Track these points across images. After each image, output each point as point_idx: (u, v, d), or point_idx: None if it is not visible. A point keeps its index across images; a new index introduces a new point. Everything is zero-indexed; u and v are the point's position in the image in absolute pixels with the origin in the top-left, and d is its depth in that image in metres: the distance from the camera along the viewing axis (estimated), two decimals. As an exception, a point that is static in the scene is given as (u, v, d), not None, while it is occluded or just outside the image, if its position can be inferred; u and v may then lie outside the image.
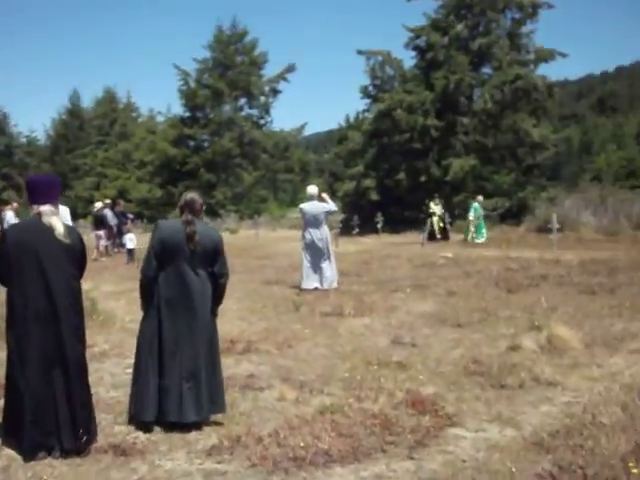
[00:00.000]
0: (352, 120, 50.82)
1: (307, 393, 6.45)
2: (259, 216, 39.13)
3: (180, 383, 5.42)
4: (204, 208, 5.92)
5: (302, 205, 13.57)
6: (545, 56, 33.28)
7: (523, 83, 31.18)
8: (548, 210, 29.64)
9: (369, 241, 27.85)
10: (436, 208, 26.79)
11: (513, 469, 4.52)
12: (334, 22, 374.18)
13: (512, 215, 30.74)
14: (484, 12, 32.58)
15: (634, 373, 7.07)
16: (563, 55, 33.79)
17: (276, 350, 8.24)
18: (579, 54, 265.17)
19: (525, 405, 6.09)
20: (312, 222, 12.98)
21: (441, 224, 26.62)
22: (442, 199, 28.31)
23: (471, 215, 25.77)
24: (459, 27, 32.28)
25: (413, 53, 34.42)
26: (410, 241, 25.94)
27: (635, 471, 4.30)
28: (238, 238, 30.20)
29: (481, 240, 25.21)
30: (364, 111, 37.74)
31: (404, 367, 7.42)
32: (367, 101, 35.26)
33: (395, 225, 30.31)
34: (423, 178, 31.25)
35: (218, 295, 5.77)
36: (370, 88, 34.49)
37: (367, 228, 30.55)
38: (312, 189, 13.36)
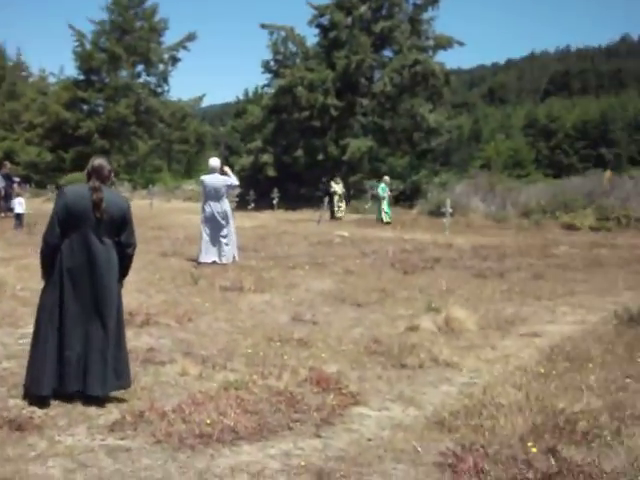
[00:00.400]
0: (251, 94, 50.34)
1: (210, 368, 6.37)
2: (153, 186, 38.31)
3: (86, 355, 5.24)
4: (112, 175, 5.70)
5: (203, 177, 13.33)
6: (444, 43, 33.94)
7: (422, 68, 31.71)
8: (440, 194, 30.44)
9: (265, 217, 27.79)
10: (337, 187, 26.79)
11: (418, 448, 4.60)
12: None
13: (405, 198, 31.32)
14: (388, -5, 32.91)
15: (526, 355, 7.34)
16: (460, 44, 34.60)
17: (176, 323, 8.10)
18: (473, 44, 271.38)
19: (425, 385, 6.21)
20: (212, 195, 12.79)
21: (341, 203, 26.68)
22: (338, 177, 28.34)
23: (381, 194, 25.68)
24: (363, 8, 32.42)
25: (316, 31, 34.48)
26: (306, 218, 26.05)
27: (534, 450, 4.46)
28: (132, 208, 29.41)
29: (388, 219, 25.49)
30: (265, 86, 37.46)
31: (306, 344, 7.44)
32: (268, 76, 35.05)
33: (291, 202, 30.35)
34: (321, 156, 31.37)
35: (125, 265, 5.58)
36: (272, 63, 34.16)
37: (263, 203, 30.46)
38: (214, 161, 13.16)
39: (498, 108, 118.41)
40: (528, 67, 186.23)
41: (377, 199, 26.51)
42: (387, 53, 34.20)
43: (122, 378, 5.44)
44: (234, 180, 13.08)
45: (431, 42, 34.01)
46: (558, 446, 4.54)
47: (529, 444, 4.57)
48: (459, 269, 13.68)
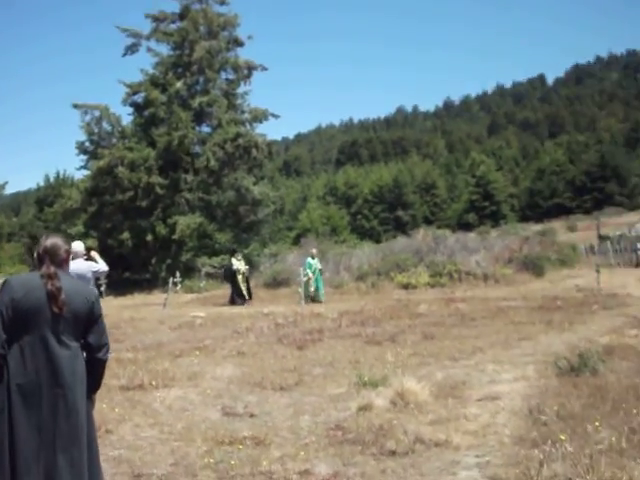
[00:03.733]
0: (62, 177, 47.58)
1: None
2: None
3: None
4: (70, 257, 4.42)
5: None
6: (259, 116, 33.91)
7: (244, 141, 31.35)
8: (273, 265, 29.91)
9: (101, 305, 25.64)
10: (239, 264, 23.48)
11: None
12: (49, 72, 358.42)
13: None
14: (202, 71, 32.42)
15: (503, 422, 6.71)
16: (275, 116, 34.77)
17: (96, 439, 6.65)
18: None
19: (440, 474, 5.36)
20: (77, 283, 11.21)
21: (244, 283, 23.33)
22: (242, 253, 25.90)
23: (308, 271, 22.74)
24: (178, 84, 31.71)
25: (130, 109, 33.18)
26: (144, 302, 24.36)
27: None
28: None
29: (322, 298, 22.61)
30: (81, 167, 35.09)
31: (262, 443, 6.37)
32: (83, 157, 32.98)
33: (119, 287, 28.42)
34: (149, 237, 29.79)
35: (96, 375, 4.21)
36: (87, 144, 32.31)
37: (89, 292, 28.22)
38: (78, 245, 11.59)
39: (295, 179, 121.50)
40: (317, 139, 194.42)
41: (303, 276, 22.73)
42: (205, 128, 33.62)
43: None
44: (102, 266, 11.58)
45: (247, 115, 33.86)
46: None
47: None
48: (346, 338, 13.02)
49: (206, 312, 18.99)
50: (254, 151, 31.71)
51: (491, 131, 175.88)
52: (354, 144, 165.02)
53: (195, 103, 31.75)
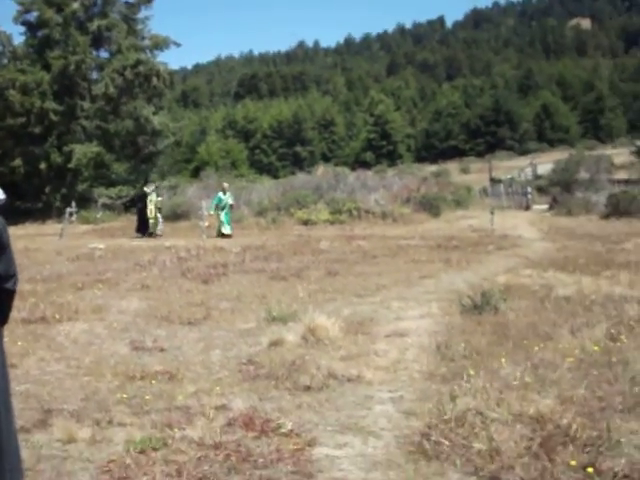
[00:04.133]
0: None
1: (96, 426, 5.01)
2: None
3: None
4: None
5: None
6: (160, 44, 32.76)
7: (145, 69, 30.25)
8: (172, 198, 29.38)
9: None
10: (152, 194, 22.36)
11: None
12: None
13: (134, 204, 29.67)
14: (101, -9, 30.96)
15: (412, 358, 6.89)
16: (177, 44, 33.67)
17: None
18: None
19: (355, 408, 5.47)
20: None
21: (157, 214, 22.28)
22: (154, 182, 24.67)
23: (212, 207, 22.38)
24: (75, 5, 30.08)
25: (22, 29, 31.32)
26: (38, 232, 23.51)
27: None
28: None
29: (228, 230, 22.04)
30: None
31: (175, 377, 6.31)
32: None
33: (10, 216, 27.17)
34: (42, 165, 28.54)
35: (4, 307, 3.80)
36: (-25, 63, 30.43)
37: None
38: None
39: (193, 111, 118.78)
40: (216, 71, 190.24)
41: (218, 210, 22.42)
42: (103, 54, 32.19)
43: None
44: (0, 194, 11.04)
45: (147, 42, 32.61)
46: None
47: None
48: (251, 273, 13.01)
49: (105, 244, 18.54)
50: (155, 80, 30.65)
51: (390, 71, 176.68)
52: (254, 77, 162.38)
53: (93, 26, 30.27)
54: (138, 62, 30.02)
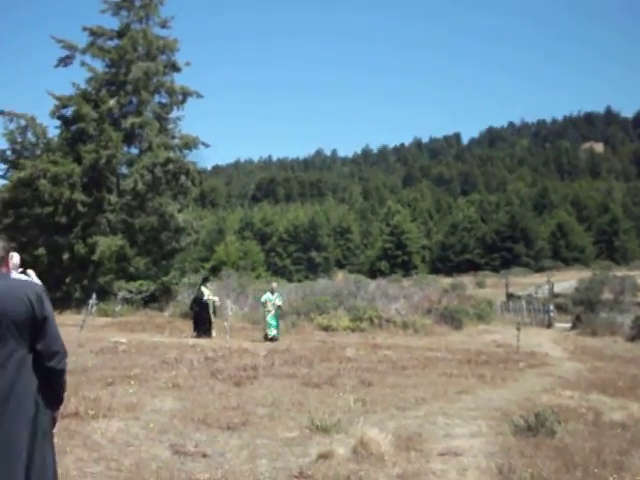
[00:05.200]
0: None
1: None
2: None
3: None
4: (12, 256, 3.78)
5: None
6: (190, 143, 33.33)
7: (175, 167, 30.66)
8: (191, 296, 29.16)
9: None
10: (210, 294, 21.40)
11: None
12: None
13: (154, 299, 29.52)
14: (136, 91, 31.63)
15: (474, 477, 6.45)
16: (206, 145, 34.23)
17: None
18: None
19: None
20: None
21: (214, 315, 21.30)
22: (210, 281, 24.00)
23: (270, 305, 21.02)
24: (111, 102, 30.81)
25: (57, 122, 31.95)
26: (57, 323, 23.16)
27: None
28: None
29: (275, 333, 20.82)
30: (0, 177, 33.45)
31: (223, 487, 5.89)
32: (3, 166, 31.40)
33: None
34: (66, 255, 28.53)
35: (54, 388, 3.54)
36: (8, 152, 30.85)
37: None
38: (15, 257, 10.86)
39: (211, 211, 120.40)
40: (235, 173, 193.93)
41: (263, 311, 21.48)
42: (133, 150, 32.71)
43: None
44: (38, 283, 10.85)
45: (177, 141, 33.21)
46: None
47: None
48: (282, 377, 12.59)
49: (126, 338, 18.19)
50: (183, 178, 31.05)
51: (406, 183, 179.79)
52: (272, 181, 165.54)
53: (127, 123, 30.87)
54: (168, 160, 30.45)
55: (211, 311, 21.07)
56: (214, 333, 20.67)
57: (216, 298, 22.01)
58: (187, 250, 34.50)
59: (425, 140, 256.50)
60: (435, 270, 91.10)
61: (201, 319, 20.87)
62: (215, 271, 47.99)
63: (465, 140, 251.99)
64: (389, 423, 8.83)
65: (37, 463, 3.35)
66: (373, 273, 77.09)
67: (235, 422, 8.45)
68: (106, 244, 28.39)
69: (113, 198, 30.14)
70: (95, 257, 28.21)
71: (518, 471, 6.55)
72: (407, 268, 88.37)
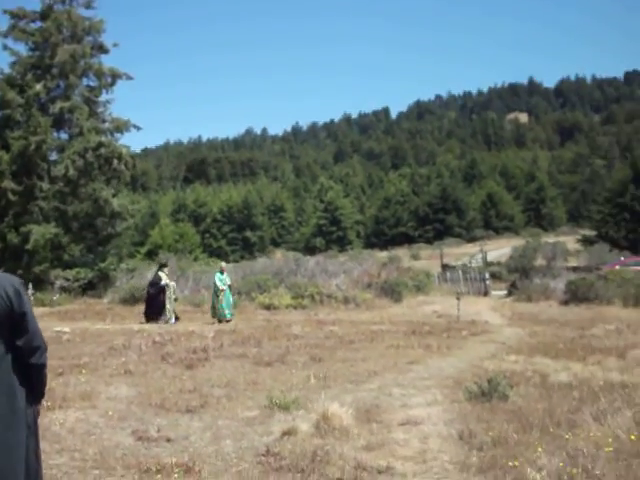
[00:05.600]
0: None
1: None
2: None
3: None
4: None
5: None
6: (121, 127, 32.68)
7: (107, 151, 30.02)
8: (130, 281, 28.76)
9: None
10: (167, 279, 20.98)
11: None
12: None
13: (92, 287, 28.99)
14: (63, 75, 30.75)
15: (437, 448, 6.61)
16: (137, 127, 33.63)
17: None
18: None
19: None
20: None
21: (170, 300, 20.55)
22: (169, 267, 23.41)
23: (219, 284, 20.54)
24: (38, 87, 29.90)
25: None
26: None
27: None
28: None
29: (228, 315, 20.46)
30: None
31: (193, 470, 5.91)
32: None
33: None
34: (-1, 245, 27.79)
35: (35, 383, 3.44)
36: None
37: None
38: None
39: (142, 194, 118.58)
40: (165, 155, 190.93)
41: (214, 292, 20.90)
42: (63, 135, 31.89)
43: None
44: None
45: (108, 125, 32.49)
46: None
47: None
48: (233, 358, 12.60)
49: (69, 327, 17.88)
50: (115, 162, 30.42)
51: (337, 158, 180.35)
52: (203, 162, 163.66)
53: (55, 108, 30.05)
54: (100, 144, 29.78)
55: (172, 296, 20.56)
56: (173, 319, 20.23)
57: (173, 283, 21.61)
58: (123, 235, 33.97)
59: (354, 115, 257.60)
60: (370, 245, 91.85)
61: (156, 303, 20.42)
62: (151, 255, 47.39)
63: (394, 114, 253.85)
64: (346, 397, 8.94)
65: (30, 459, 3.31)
66: (309, 250, 77.31)
67: (193, 405, 8.45)
68: (40, 232, 27.69)
69: (45, 185, 29.36)
70: (29, 246, 27.51)
71: (479, 435, 6.74)
72: (342, 244, 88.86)
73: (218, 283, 20.63)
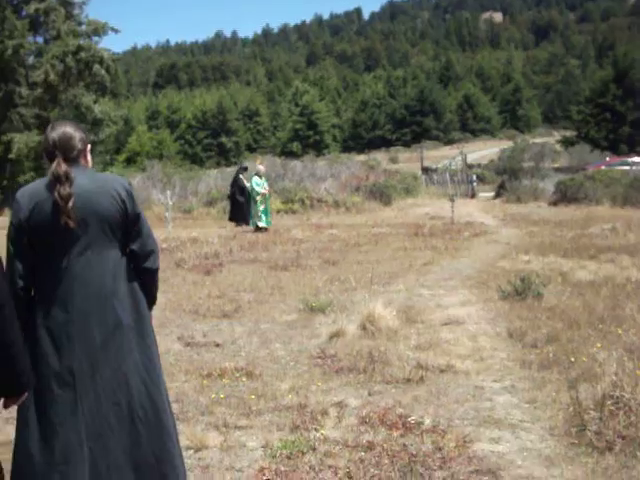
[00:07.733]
0: None
1: (217, 431, 4.55)
2: None
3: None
4: (89, 147, 3.22)
5: None
6: (99, 30, 31.51)
7: (87, 55, 29.00)
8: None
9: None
10: (247, 183, 19.85)
11: None
12: None
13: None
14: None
15: (490, 346, 6.61)
16: (115, 30, 32.45)
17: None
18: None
19: (475, 399, 5.15)
20: None
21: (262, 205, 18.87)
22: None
23: (258, 188, 18.63)
24: (6, -13, 28.66)
25: (-46, 11, 29.48)
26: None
27: None
28: None
29: (264, 223, 18.64)
30: None
31: (252, 375, 5.87)
32: None
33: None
34: (-20, 155, 27.07)
35: (147, 289, 3.22)
36: None
37: None
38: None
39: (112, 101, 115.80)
40: (133, 61, 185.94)
41: (252, 197, 18.90)
42: (39, 39, 30.72)
43: None
44: None
45: (85, 27, 31.29)
46: None
47: None
48: (246, 263, 12.53)
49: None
50: (97, 67, 29.44)
51: (310, 61, 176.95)
52: (173, 67, 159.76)
53: (30, 10, 28.84)
54: (79, 48, 28.74)
55: (258, 200, 18.76)
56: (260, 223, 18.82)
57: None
58: (106, 143, 33.24)
59: (326, 17, 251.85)
60: (348, 148, 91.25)
61: (246, 208, 19.82)
62: (130, 162, 46.70)
63: (366, 15, 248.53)
64: (378, 298, 8.91)
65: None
66: (286, 155, 76.60)
67: (227, 309, 8.38)
68: (23, 141, 26.98)
69: (24, 91, 28.43)
70: (12, 155, 26.83)
71: (529, 333, 6.75)
72: (319, 148, 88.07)
73: (257, 188, 18.76)
